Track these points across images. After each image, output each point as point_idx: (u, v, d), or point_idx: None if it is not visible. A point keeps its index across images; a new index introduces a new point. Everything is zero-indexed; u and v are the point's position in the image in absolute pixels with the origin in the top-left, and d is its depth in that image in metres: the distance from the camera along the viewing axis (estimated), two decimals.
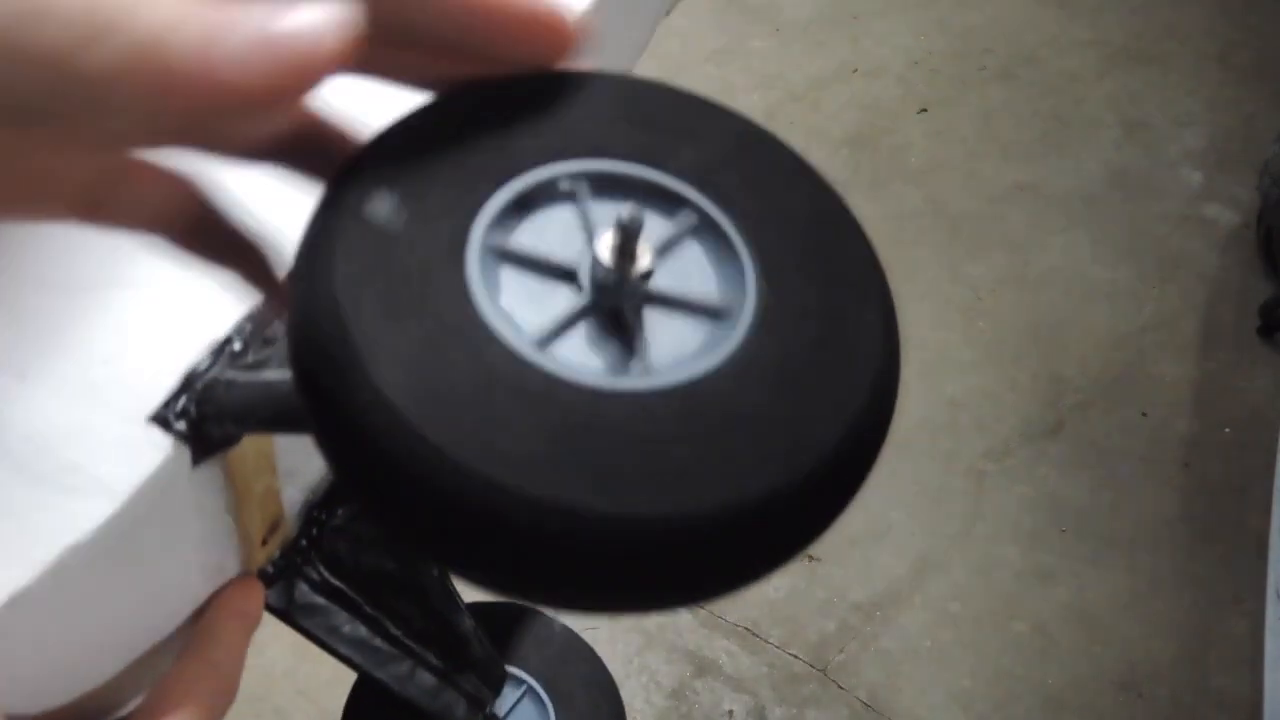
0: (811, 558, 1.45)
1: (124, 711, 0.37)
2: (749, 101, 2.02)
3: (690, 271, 0.26)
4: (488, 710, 0.66)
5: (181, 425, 0.34)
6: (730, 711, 1.33)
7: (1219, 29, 2.14)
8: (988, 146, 1.95)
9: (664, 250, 0.26)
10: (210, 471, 0.37)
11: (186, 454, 0.35)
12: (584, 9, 0.45)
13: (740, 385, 0.24)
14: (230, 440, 0.37)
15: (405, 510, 0.22)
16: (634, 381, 0.23)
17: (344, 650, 0.52)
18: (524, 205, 0.26)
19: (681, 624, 1.40)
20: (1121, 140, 1.96)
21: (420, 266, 0.23)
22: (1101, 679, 1.34)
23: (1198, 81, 2.05)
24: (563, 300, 0.25)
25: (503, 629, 0.75)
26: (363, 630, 0.53)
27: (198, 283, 0.37)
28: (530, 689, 0.73)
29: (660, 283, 0.25)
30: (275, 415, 0.34)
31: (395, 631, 0.55)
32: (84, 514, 0.32)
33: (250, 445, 0.38)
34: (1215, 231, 1.81)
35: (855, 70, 2.07)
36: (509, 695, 0.71)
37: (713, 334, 0.25)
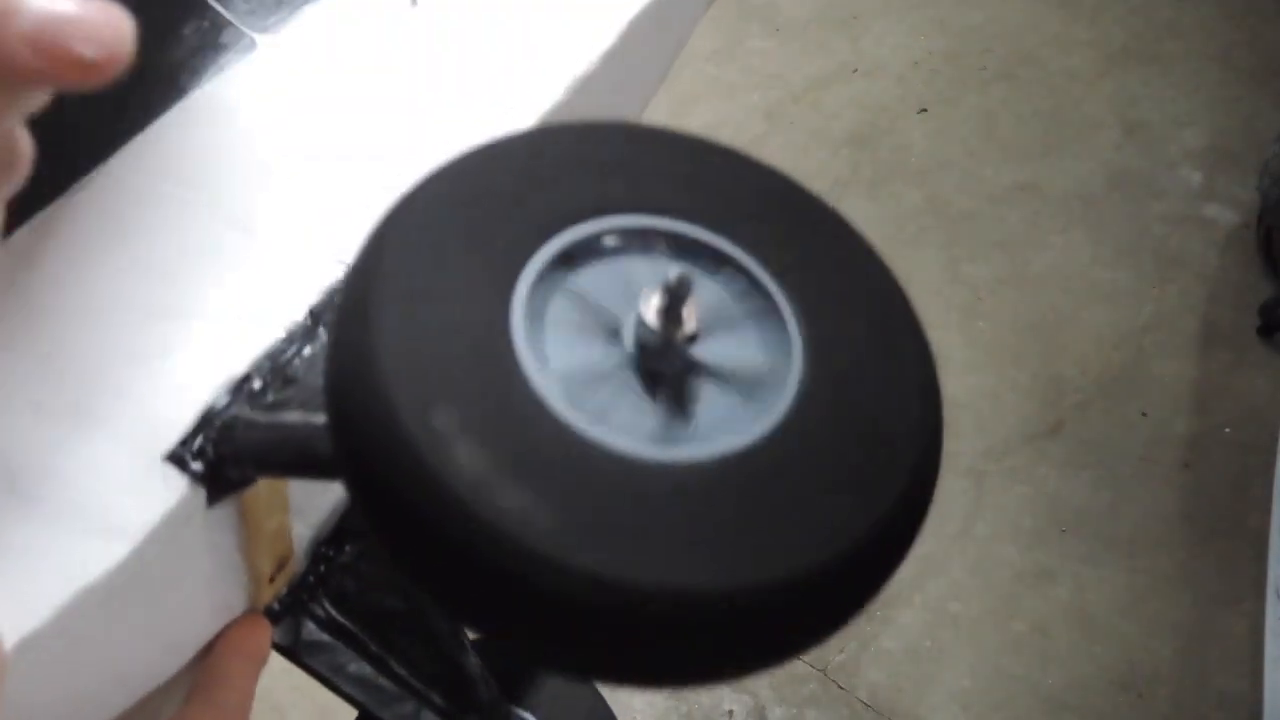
0: None
1: None
2: (749, 101, 2.02)
3: (733, 336, 0.26)
4: None
5: (198, 466, 0.33)
6: (730, 711, 1.33)
7: (1219, 29, 2.14)
8: (988, 146, 1.95)
9: (710, 318, 0.25)
10: (224, 510, 0.36)
11: (202, 494, 0.34)
12: (602, 55, 0.44)
13: (781, 462, 0.24)
14: (247, 481, 0.36)
15: (465, 590, 0.22)
16: (678, 452, 0.23)
17: (348, 689, 0.52)
18: (569, 261, 0.25)
19: None
20: (1121, 140, 1.96)
21: (467, 336, 0.23)
22: (1101, 679, 1.34)
23: (1198, 81, 2.05)
24: (609, 359, 0.25)
25: (505, 668, 0.75)
26: (368, 669, 0.53)
27: (217, 317, 0.36)
28: None
29: (704, 347, 0.25)
30: (296, 459, 0.33)
31: (400, 671, 0.55)
32: (96, 556, 0.31)
33: (265, 484, 0.37)
34: (1215, 231, 1.81)
35: (855, 70, 2.07)
36: None
37: (756, 403, 0.25)
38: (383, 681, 0.53)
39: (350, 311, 0.24)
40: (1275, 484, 1.23)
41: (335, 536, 0.48)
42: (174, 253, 0.38)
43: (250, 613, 0.42)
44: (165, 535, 0.33)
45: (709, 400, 0.25)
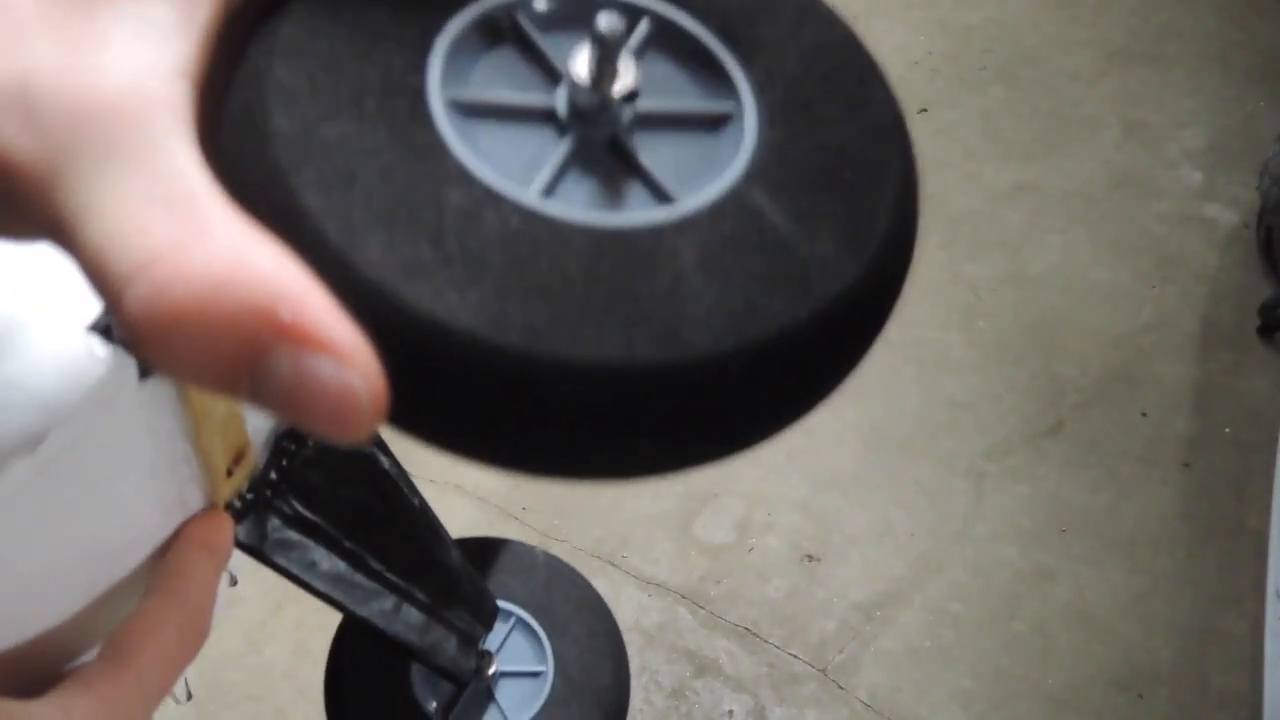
0: (811, 558, 1.45)
1: (90, 656, 0.35)
2: None
3: (677, 91, 0.23)
4: (480, 646, 0.64)
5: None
6: (730, 711, 1.33)
7: (1219, 29, 2.14)
8: (988, 146, 1.95)
9: (649, 78, 0.23)
10: (162, 392, 0.34)
11: (133, 365, 0.32)
12: None
13: (748, 214, 0.21)
14: None
15: (436, 409, 0.19)
16: (630, 217, 0.21)
17: (323, 588, 0.49)
18: (464, 50, 0.22)
19: (681, 624, 1.40)
20: (1121, 140, 1.96)
21: (388, 134, 0.20)
22: (1101, 679, 1.34)
23: (1198, 81, 2.05)
24: (547, 143, 0.22)
25: (481, 562, 0.72)
26: (342, 566, 0.50)
27: None
28: (520, 620, 0.70)
29: (646, 103, 0.22)
30: None
31: (377, 566, 0.52)
32: (20, 431, 0.29)
33: None
34: (1215, 231, 1.81)
35: None
36: (498, 629, 0.68)
37: (711, 159, 0.22)
38: (359, 578, 0.51)
39: (243, 96, 0.21)
40: (1275, 484, 1.23)
41: (296, 429, 0.45)
42: None
43: (209, 508, 0.40)
44: (95, 411, 0.31)
45: (659, 162, 0.22)
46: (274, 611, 1.40)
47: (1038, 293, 1.73)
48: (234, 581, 0.57)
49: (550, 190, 0.21)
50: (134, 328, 0.17)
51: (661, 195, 0.22)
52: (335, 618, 1.51)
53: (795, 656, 1.37)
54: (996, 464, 1.54)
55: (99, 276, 0.17)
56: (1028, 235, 1.81)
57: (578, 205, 0.21)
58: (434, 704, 0.65)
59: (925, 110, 2.02)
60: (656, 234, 0.21)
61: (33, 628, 0.34)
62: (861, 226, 0.22)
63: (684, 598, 1.42)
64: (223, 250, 0.17)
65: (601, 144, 0.22)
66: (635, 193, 0.22)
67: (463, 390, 0.19)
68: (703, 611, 1.41)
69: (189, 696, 0.54)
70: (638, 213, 0.21)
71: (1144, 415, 1.58)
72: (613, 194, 0.22)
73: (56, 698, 0.31)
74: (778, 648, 1.38)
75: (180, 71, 0.19)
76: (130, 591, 0.38)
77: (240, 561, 0.55)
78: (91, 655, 0.35)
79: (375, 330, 0.18)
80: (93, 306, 0.32)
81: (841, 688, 1.34)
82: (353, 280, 0.19)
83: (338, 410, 0.17)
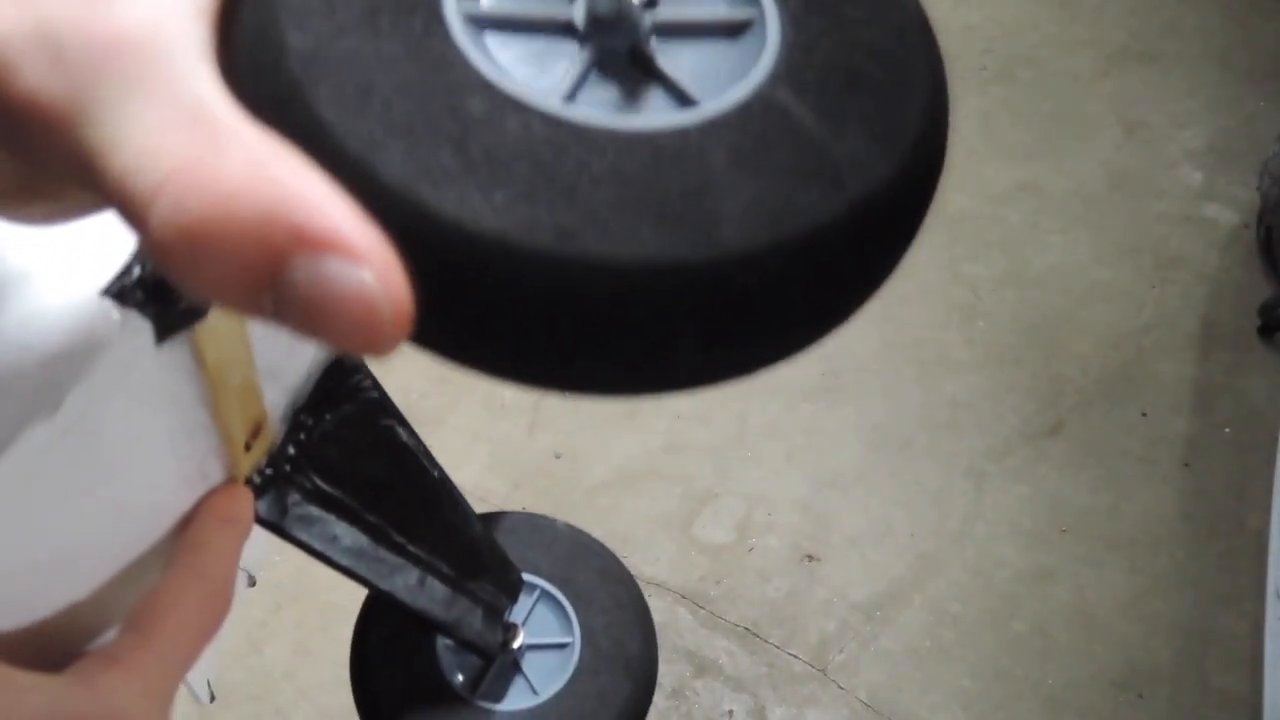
0: (811, 558, 1.45)
1: (113, 634, 0.35)
2: None
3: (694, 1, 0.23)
4: (505, 618, 0.64)
5: (139, 294, 0.31)
6: (730, 711, 1.33)
7: (1219, 29, 2.14)
8: (988, 146, 1.95)
9: None
10: (180, 357, 0.34)
11: (148, 329, 0.32)
12: None
13: (777, 116, 0.21)
14: (195, 312, 0.33)
15: (475, 321, 0.19)
16: (654, 120, 0.21)
17: (346, 562, 0.49)
18: None
19: (682, 624, 1.40)
20: (1121, 140, 1.96)
21: (404, 47, 0.20)
22: (1101, 679, 1.34)
23: (1198, 81, 2.05)
24: (566, 54, 0.22)
25: (502, 536, 0.71)
26: (364, 540, 0.49)
27: None
28: (544, 592, 0.69)
29: (666, 10, 0.22)
30: None
31: (399, 539, 0.52)
32: (35, 396, 0.29)
33: (223, 328, 0.35)
34: (1215, 231, 1.81)
35: None
36: (523, 602, 0.67)
37: (735, 62, 0.22)
38: (382, 552, 0.51)
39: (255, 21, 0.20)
40: (1275, 484, 1.23)
41: (313, 403, 0.45)
42: None
43: (229, 482, 0.40)
44: (112, 377, 0.31)
45: (681, 68, 0.22)
46: (274, 611, 1.40)
47: (1038, 293, 1.73)
48: (252, 582, 0.57)
49: (571, 97, 0.21)
50: (159, 249, 0.17)
51: (685, 100, 0.21)
52: (336, 619, 1.51)
53: (795, 656, 1.37)
54: (996, 464, 1.54)
55: (126, 204, 0.17)
56: (1028, 235, 1.81)
57: (601, 111, 0.21)
58: (460, 678, 0.65)
59: None
60: (683, 135, 0.20)
61: (55, 603, 0.34)
62: (893, 123, 0.22)
63: (684, 598, 1.42)
64: (240, 161, 0.17)
65: (621, 53, 0.22)
66: (658, 99, 0.22)
67: (495, 297, 0.19)
68: (703, 611, 1.41)
69: (212, 698, 0.54)
70: (662, 116, 0.21)
71: (1144, 415, 1.58)
72: (635, 100, 0.22)
73: (80, 672, 0.31)
74: (778, 648, 1.38)
75: (198, 10, 0.19)
76: (151, 566, 0.37)
77: (255, 559, 0.54)
78: (114, 633, 0.35)
79: (401, 240, 0.18)
80: (107, 271, 0.32)
81: (841, 688, 1.34)
82: (376, 190, 0.18)
83: (358, 317, 0.17)
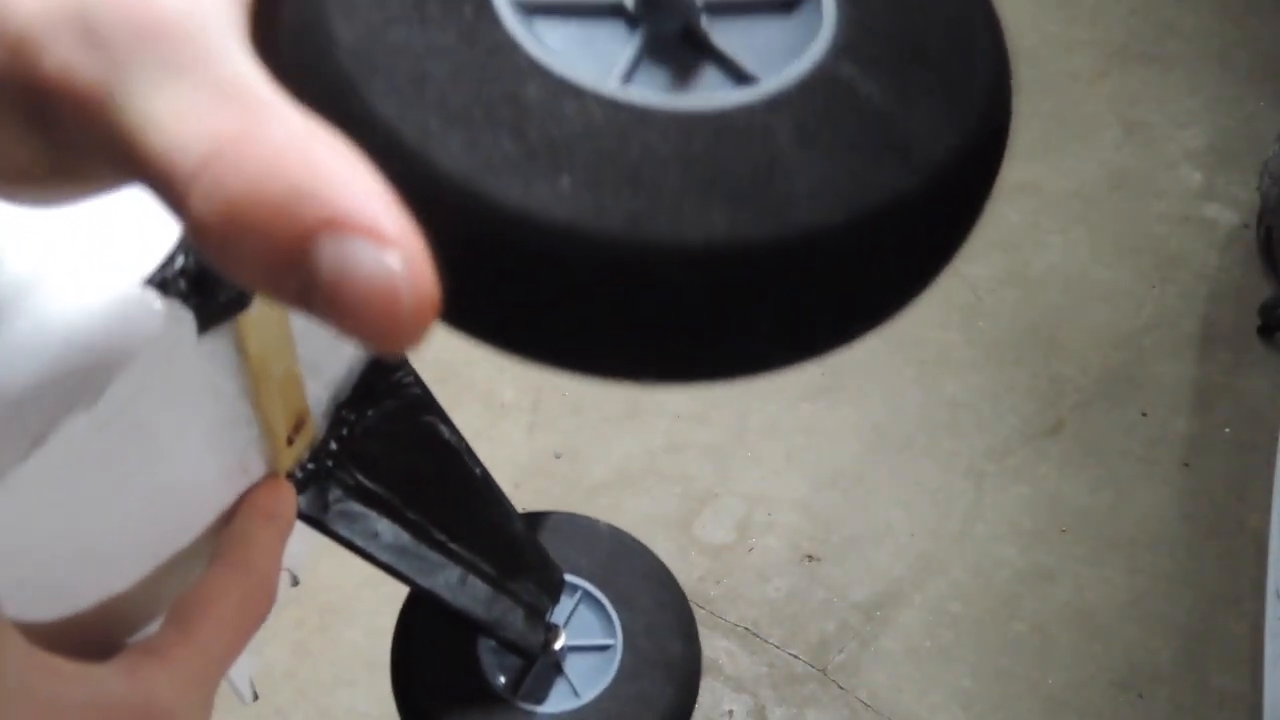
0: (811, 558, 1.45)
1: (155, 627, 0.35)
2: None
3: None
4: (547, 619, 0.63)
5: (182, 284, 0.31)
6: (730, 711, 1.33)
7: (1219, 29, 2.14)
8: None
9: None
10: (222, 348, 0.34)
11: (190, 320, 0.32)
12: None
13: (847, 84, 0.20)
14: (238, 301, 0.33)
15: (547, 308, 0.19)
16: (737, 96, 0.20)
17: (387, 559, 0.48)
18: None
19: None
20: (1121, 140, 1.96)
21: (457, 37, 0.20)
22: (1101, 679, 1.34)
23: (1198, 81, 2.05)
24: (618, 36, 0.22)
25: (544, 536, 0.70)
26: (406, 537, 0.49)
27: None
28: (586, 593, 0.68)
29: None
30: None
31: (441, 537, 0.51)
32: (77, 385, 0.29)
33: (265, 319, 0.35)
34: (1215, 231, 1.81)
35: None
36: (564, 603, 0.66)
37: (792, 33, 0.22)
38: (424, 549, 0.50)
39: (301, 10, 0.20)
40: (1275, 484, 1.23)
41: (355, 398, 0.45)
42: None
43: (271, 477, 0.40)
44: (154, 366, 0.31)
45: (737, 46, 0.22)
46: (274, 611, 1.40)
47: (1038, 293, 1.73)
48: (295, 581, 0.56)
49: (628, 79, 0.21)
50: (199, 228, 0.17)
51: (744, 77, 0.21)
52: (336, 619, 1.51)
53: (795, 656, 1.37)
54: (996, 464, 1.54)
55: (166, 185, 0.17)
56: (1028, 235, 1.81)
57: (658, 92, 0.20)
58: (502, 679, 0.64)
59: None
60: (747, 113, 0.20)
61: (97, 594, 0.34)
62: (958, 93, 0.21)
63: None
64: (280, 139, 0.17)
65: (674, 34, 0.22)
66: (716, 78, 0.21)
67: (564, 286, 0.18)
68: (703, 611, 1.41)
69: (255, 697, 0.54)
70: (722, 94, 0.20)
71: (1144, 415, 1.58)
72: (693, 80, 0.21)
73: (121, 663, 0.31)
74: (778, 648, 1.38)
75: None
76: (194, 561, 0.37)
77: (299, 559, 0.54)
78: (156, 626, 0.35)
79: (464, 232, 0.18)
80: (149, 261, 0.32)
81: (841, 688, 1.34)
82: (436, 181, 0.18)
83: (378, 303, 0.16)
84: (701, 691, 1.35)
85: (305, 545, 0.54)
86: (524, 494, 1.52)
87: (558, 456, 1.56)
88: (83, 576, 0.33)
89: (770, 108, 0.20)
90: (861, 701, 1.33)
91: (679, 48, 0.22)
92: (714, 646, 1.38)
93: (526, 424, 1.60)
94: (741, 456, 1.55)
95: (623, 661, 0.66)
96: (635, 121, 0.19)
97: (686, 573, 1.44)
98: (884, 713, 1.32)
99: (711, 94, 0.21)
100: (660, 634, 0.67)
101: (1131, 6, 2.20)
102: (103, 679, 0.30)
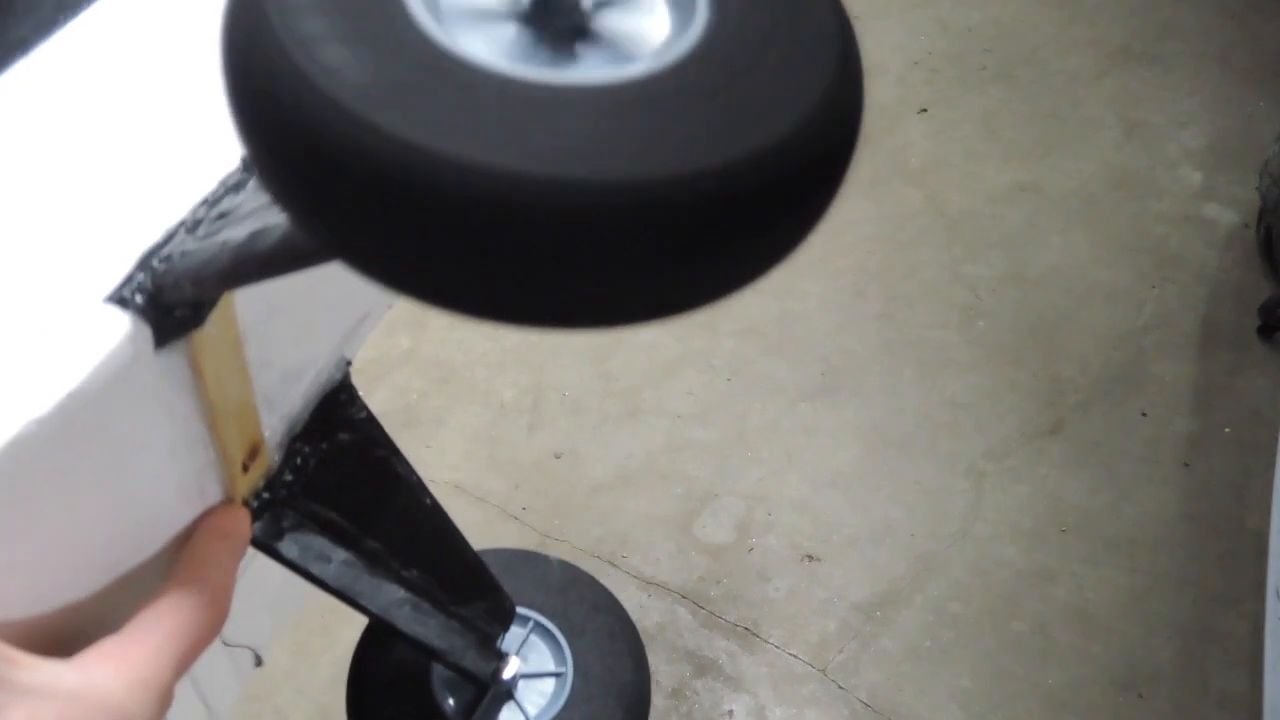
0: (811, 558, 1.45)
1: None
2: None
3: None
4: (499, 646, 0.65)
5: (140, 300, 0.34)
6: (730, 711, 1.33)
7: (1219, 29, 2.14)
8: (988, 146, 1.95)
9: None
10: (178, 367, 0.36)
11: (148, 333, 0.34)
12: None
13: (706, 72, 0.24)
14: (192, 319, 0.36)
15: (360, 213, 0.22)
16: (590, 75, 0.24)
17: (340, 586, 0.50)
18: None
19: (681, 624, 1.40)
20: (1121, 140, 1.96)
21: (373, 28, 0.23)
22: (1101, 679, 1.34)
23: (1198, 81, 2.05)
24: (512, 31, 0.25)
25: (496, 571, 0.73)
26: (359, 564, 0.51)
27: (155, 168, 0.37)
28: (537, 624, 0.70)
29: None
30: (232, 266, 0.33)
31: (394, 564, 0.53)
32: (43, 393, 0.31)
33: (218, 343, 0.37)
34: (1215, 231, 1.81)
35: None
36: (517, 633, 0.68)
37: (670, 27, 0.26)
38: (376, 576, 0.52)
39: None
40: (1275, 484, 1.23)
41: (310, 431, 0.47)
42: (108, 121, 0.39)
43: (227, 501, 0.42)
44: (113, 378, 0.33)
45: (620, 37, 0.26)
46: None
47: (1038, 293, 1.73)
48: (258, 661, 0.59)
49: (519, 59, 0.24)
50: None
51: (624, 58, 0.25)
52: (335, 619, 1.50)
53: (795, 656, 1.37)
54: (996, 464, 1.54)
55: None
56: (1028, 235, 1.81)
57: (551, 71, 0.24)
58: (454, 706, 0.65)
59: (925, 110, 2.02)
60: (628, 84, 0.23)
61: (56, 599, 0.36)
62: (813, 72, 0.25)
63: (684, 598, 1.42)
64: None
65: (566, 30, 0.26)
66: (597, 59, 0.25)
67: (459, 220, 0.21)
68: (703, 611, 1.41)
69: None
70: (602, 72, 0.24)
71: (1144, 415, 1.58)
72: (579, 62, 0.25)
73: (77, 660, 0.33)
74: (778, 648, 1.38)
75: None
76: (151, 577, 0.39)
77: (262, 639, 0.55)
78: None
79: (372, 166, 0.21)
80: (110, 277, 0.34)
81: (841, 688, 1.34)
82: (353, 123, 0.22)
83: None
84: (701, 691, 1.36)
85: (268, 627, 0.56)
86: (524, 494, 1.52)
87: (558, 456, 1.56)
88: (42, 581, 0.35)
89: (646, 82, 0.24)
90: (861, 701, 1.33)
91: (571, 40, 0.26)
92: (714, 646, 1.38)
93: (526, 424, 1.60)
94: (741, 456, 1.55)
95: (574, 687, 0.68)
96: (526, 90, 0.23)
97: (686, 573, 1.44)
98: (884, 713, 1.32)
99: (591, 72, 0.24)
100: (610, 660, 0.69)
101: (1131, 6, 2.20)
102: (59, 672, 0.32)
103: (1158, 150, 1.94)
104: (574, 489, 1.53)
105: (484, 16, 0.25)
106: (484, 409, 1.61)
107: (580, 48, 0.25)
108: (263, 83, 0.22)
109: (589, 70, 0.25)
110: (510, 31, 0.25)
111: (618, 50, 0.25)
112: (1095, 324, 1.69)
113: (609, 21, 0.26)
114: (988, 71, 2.09)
